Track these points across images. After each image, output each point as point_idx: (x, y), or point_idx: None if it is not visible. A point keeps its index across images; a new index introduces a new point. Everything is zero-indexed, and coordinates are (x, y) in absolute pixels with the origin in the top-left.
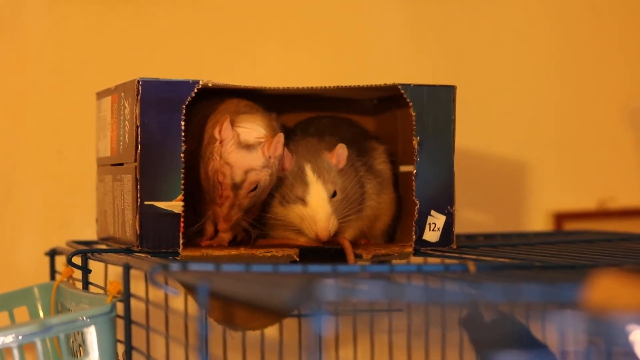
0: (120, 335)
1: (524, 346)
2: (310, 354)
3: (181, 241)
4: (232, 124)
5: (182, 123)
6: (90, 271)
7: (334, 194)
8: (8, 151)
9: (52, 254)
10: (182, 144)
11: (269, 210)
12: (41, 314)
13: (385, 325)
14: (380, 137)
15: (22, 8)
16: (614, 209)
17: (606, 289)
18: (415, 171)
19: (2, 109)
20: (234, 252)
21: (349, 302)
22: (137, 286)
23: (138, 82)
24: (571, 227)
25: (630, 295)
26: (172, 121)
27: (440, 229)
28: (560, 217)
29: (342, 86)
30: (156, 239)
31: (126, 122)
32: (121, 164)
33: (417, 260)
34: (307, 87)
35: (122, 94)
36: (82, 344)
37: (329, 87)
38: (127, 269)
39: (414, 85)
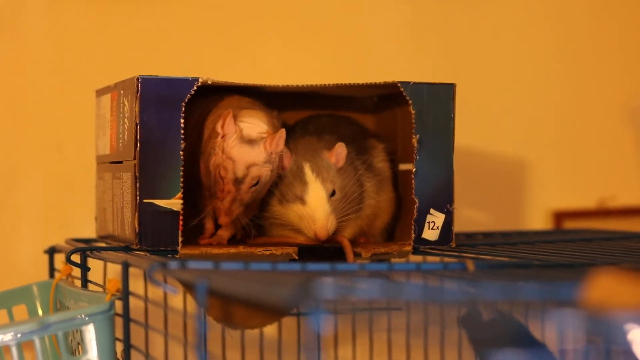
0: (119, 333)
1: (523, 345)
2: (309, 353)
3: (180, 239)
4: (235, 118)
5: (182, 120)
6: (89, 269)
7: (332, 193)
8: (8, 149)
9: (51, 251)
10: (182, 141)
11: (268, 209)
12: (40, 312)
13: (384, 324)
14: (380, 135)
15: (22, 7)
16: (614, 208)
17: (604, 287)
18: (414, 169)
19: (1, 106)
20: (233, 250)
21: (347, 300)
22: (136, 284)
23: (137, 79)
24: (571, 225)
25: (628, 294)
26: (172, 119)
27: (440, 228)
28: (560, 216)
29: (341, 84)
30: (155, 237)
31: (125, 120)
32: (120, 162)
33: (416, 258)
34: (307, 85)
35: (122, 92)
36: (81, 342)
37: (329, 84)
38: (125, 267)
39: (414, 83)
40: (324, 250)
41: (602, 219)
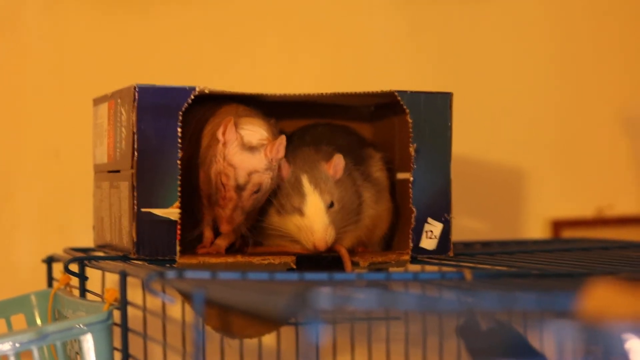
0: (118, 343)
1: (521, 355)
2: None
3: (178, 248)
4: (235, 126)
5: (179, 129)
6: (87, 278)
7: (331, 205)
8: (5, 155)
9: (50, 261)
10: (179, 150)
11: (266, 219)
12: (38, 321)
13: (383, 334)
14: (377, 144)
15: (21, 11)
16: (612, 217)
17: (601, 297)
18: (412, 178)
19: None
20: (230, 259)
21: (344, 310)
22: (135, 294)
23: (135, 88)
24: (569, 234)
25: (625, 304)
26: (169, 127)
27: (437, 237)
28: (558, 225)
29: (339, 93)
30: (153, 247)
31: (123, 129)
32: (118, 171)
33: (414, 268)
34: (304, 94)
35: (119, 101)
36: (79, 351)
37: (326, 94)
38: (123, 276)
39: (411, 92)
40: (322, 260)
41: (600, 228)
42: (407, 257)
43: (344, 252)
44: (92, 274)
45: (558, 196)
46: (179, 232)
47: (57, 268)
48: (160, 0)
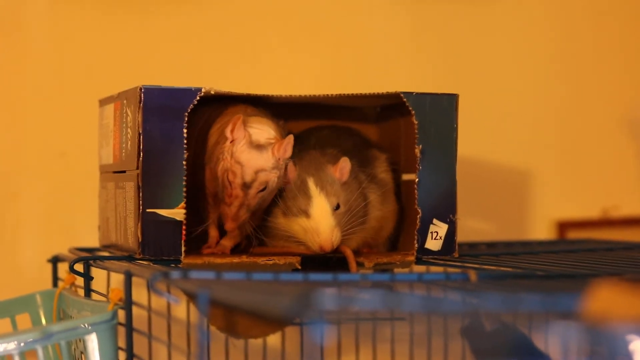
0: (122, 342)
1: (525, 355)
2: None
3: (183, 249)
4: (244, 124)
5: (185, 130)
6: (92, 278)
7: (337, 207)
8: (10, 155)
9: (55, 260)
10: (184, 151)
11: (272, 221)
12: (43, 321)
13: (387, 334)
14: (383, 145)
15: (24, 13)
16: (618, 218)
17: (605, 299)
18: (417, 180)
19: (4, 112)
20: (236, 259)
21: (348, 311)
22: (140, 294)
23: (140, 89)
24: (574, 235)
25: (629, 305)
26: (174, 128)
27: (443, 238)
28: (564, 226)
29: (344, 94)
30: (158, 247)
31: (128, 130)
32: (123, 172)
33: (419, 268)
34: (310, 95)
35: (125, 102)
36: (84, 351)
37: (332, 95)
38: (128, 276)
39: (417, 93)
40: (327, 261)
41: (605, 229)
42: (412, 258)
43: (349, 253)
44: (97, 273)
45: (563, 197)
46: (184, 232)
47: (63, 268)
48: (164, 2)
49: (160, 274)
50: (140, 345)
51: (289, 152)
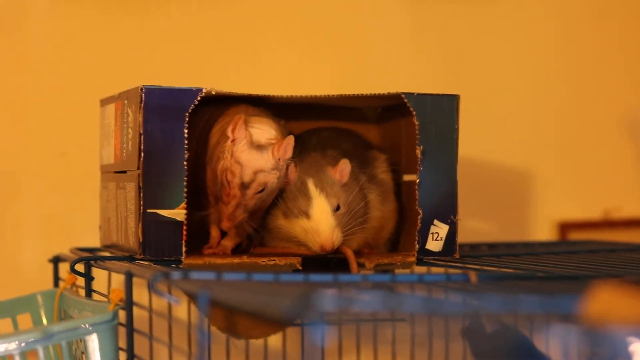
0: (123, 343)
1: (526, 357)
2: None
3: (184, 249)
4: (245, 124)
5: (185, 131)
6: (93, 279)
7: (337, 208)
8: (10, 155)
9: (56, 261)
10: (185, 151)
11: (273, 222)
12: (44, 321)
13: (388, 335)
14: (383, 146)
15: (24, 13)
16: (619, 219)
17: (604, 301)
18: (418, 180)
19: (4, 112)
20: (236, 260)
21: (348, 311)
22: (141, 294)
23: (141, 89)
24: (576, 237)
25: (629, 307)
26: (175, 129)
27: (443, 239)
28: (565, 227)
29: (345, 95)
30: (159, 247)
31: (129, 130)
32: (124, 172)
33: (420, 269)
34: (311, 96)
35: (126, 102)
36: (85, 351)
37: (333, 95)
38: (129, 277)
39: (418, 94)
40: (328, 262)
41: (607, 230)
42: (413, 259)
43: (350, 254)
44: (98, 274)
45: (565, 198)
46: (185, 232)
47: (64, 268)
48: (164, 2)
49: (161, 275)
50: (140, 345)
51: (289, 153)
